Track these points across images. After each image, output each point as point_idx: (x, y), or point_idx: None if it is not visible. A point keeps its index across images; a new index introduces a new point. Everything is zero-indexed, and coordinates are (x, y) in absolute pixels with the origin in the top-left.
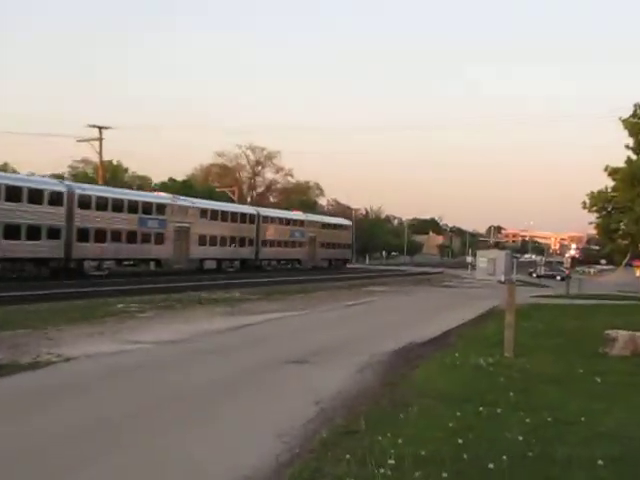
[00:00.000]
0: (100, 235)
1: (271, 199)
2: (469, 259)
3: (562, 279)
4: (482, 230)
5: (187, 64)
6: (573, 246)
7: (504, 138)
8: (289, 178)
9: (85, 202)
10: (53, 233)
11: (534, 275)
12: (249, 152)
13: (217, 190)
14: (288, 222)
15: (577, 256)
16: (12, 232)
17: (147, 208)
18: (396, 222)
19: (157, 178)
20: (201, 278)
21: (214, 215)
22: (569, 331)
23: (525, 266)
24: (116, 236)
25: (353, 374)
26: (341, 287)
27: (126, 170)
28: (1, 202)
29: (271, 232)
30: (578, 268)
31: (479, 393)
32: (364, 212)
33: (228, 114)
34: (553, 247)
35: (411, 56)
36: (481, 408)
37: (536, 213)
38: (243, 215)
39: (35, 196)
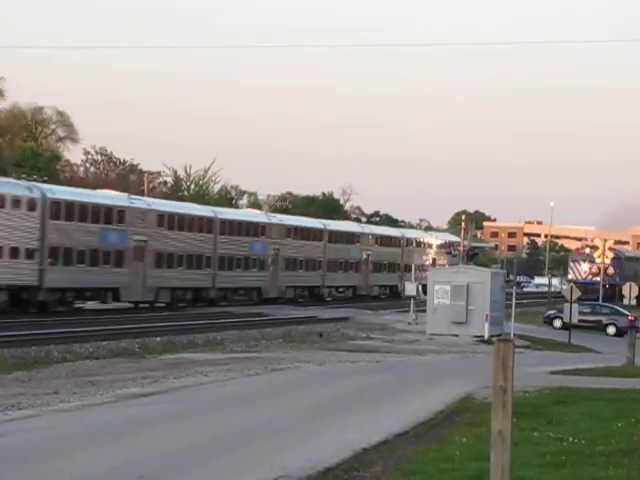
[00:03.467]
0: (333, 265)
1: None
2: (411, 287)
3: (620, 332)
4: (442, 222)
5: None
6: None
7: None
8: None
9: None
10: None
11: (557, 324)
12: None
13: None
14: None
15: None
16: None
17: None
18: (246, 200)
19: None
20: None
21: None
22: (639, 452)
23: (537, 303)
24: (344, 266)
25: None
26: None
27: None
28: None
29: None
30: None
31: None
32: (172, 179)
33: None
34: (599, 259)
35: None
36: None
37: (563, 190)
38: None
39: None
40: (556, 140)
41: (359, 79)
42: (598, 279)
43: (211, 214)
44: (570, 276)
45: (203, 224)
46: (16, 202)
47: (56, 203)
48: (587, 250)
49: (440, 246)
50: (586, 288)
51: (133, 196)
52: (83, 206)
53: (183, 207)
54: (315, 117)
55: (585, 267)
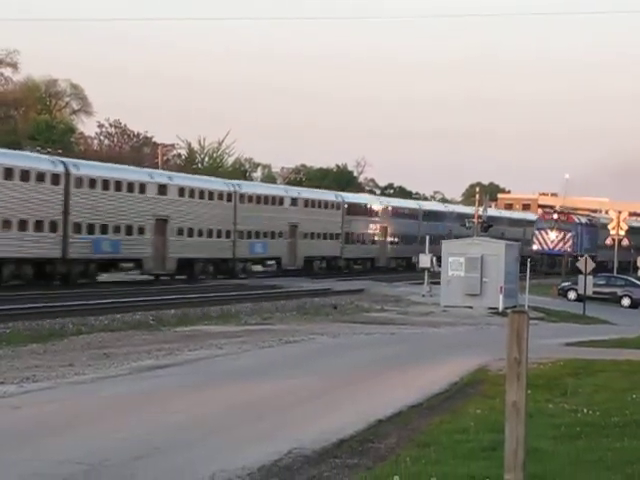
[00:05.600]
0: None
1: None
2: (425, 259)
3: (634, 304)
4: (456, 194)
5: None
6: None
7: None
8: (5, 72)
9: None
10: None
11: (571, 296)
12: None
13: None
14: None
15: None
16: None
17: None
18: (260, 173)
19: None
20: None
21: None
22: None
23: (552, 275)
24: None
25: None
26: None
27: None
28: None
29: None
30: None
31: None
32: (186, 151)
33: None
34: (613, 231)
35: None
36: None
37: (576, 159)
38: None
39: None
40: (570, 109)
41: (371, 50)
42: (568, 249)
43: (416, 206)
44: (535, 246)
45: (411, 214)
46: (331, 205)
47: (349, 205)
48: (555, 216)
49: (396, 213)
50: (554, 260)
51: (380, 197)
52: (360, 206)
53: (403, 202)
54: (329, 89)
55: (552, 236)
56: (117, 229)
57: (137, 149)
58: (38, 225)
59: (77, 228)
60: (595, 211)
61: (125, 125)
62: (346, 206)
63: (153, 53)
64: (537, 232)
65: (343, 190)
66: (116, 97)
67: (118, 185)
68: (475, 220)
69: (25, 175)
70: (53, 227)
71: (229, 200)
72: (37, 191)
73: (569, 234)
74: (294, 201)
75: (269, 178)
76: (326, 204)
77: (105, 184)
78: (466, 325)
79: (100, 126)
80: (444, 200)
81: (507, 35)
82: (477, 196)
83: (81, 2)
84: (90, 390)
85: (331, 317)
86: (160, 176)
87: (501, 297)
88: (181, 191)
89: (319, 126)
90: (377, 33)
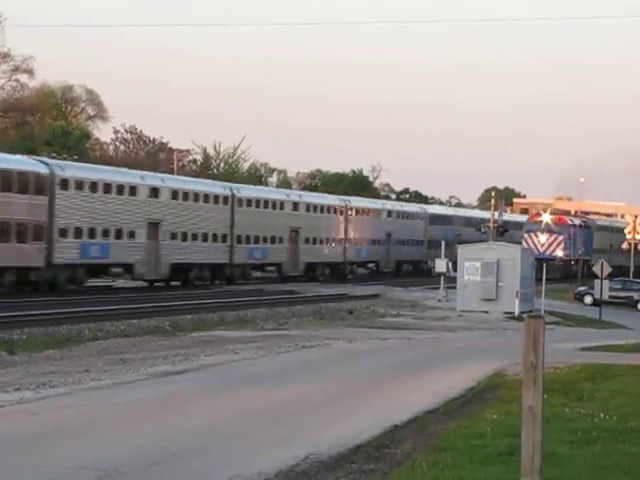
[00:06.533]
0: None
1: None
2: (441, 264)
3: None
4: (472, 199)
5: None
6: None
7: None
8: (21, 78)
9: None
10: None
11: (588, 300)
12: None
13: None
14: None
15: None
16: None
17: None
18: (275, 178)
19: None
20: None
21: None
22: None
23: (568, 279)
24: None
25: None
26: None
27: None
28: None
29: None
30: None
31: None
32: (201, 157)
33: None
34: (630, 235)
35: None
36: None
37: (592, 162)
38: None
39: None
40: (581, 111)
41: (386, 54)
42: (559, 253)
43: (484, 215)
44: None
45: (478, 222)
46: (417, 216)
47: (431, 215)
48: (545, 217)
49: (467, 222)
50: (545, 264)
51: (456, 208)
52: (439, 216)
53: (473, 212)
54: (344, 93)
55: (543, 239)
56: (265, 239)
57: (153, 155)
58: (215, 237)
59: (239, 239)
60: (611, 215)
61: (141, 131)
62: (428, 216)
63: (167, 60)
64: (526, 235)
65: (358, 195)
66: (131, 103)
67: (265, 204)
68: (491, 225)
69: (207, 198)
70: (224, 239)
71: (341, 213)
72: (215, 210)
73: (561, 237)
74: (389, 213)
75: (284, 183)
76: (413, 215)
77: (257, 203)
78: (482, 330)
79: (116, 132)
80: (458, 205)
81: (511, 38)
82: (492, 201)
83: (95, 9)
84: (106, 396)
85: (347, 322)
86: (293, 195)
87: (517, 301)
88: (307, 207)
89: (335, 132)
90: (379, 38)
